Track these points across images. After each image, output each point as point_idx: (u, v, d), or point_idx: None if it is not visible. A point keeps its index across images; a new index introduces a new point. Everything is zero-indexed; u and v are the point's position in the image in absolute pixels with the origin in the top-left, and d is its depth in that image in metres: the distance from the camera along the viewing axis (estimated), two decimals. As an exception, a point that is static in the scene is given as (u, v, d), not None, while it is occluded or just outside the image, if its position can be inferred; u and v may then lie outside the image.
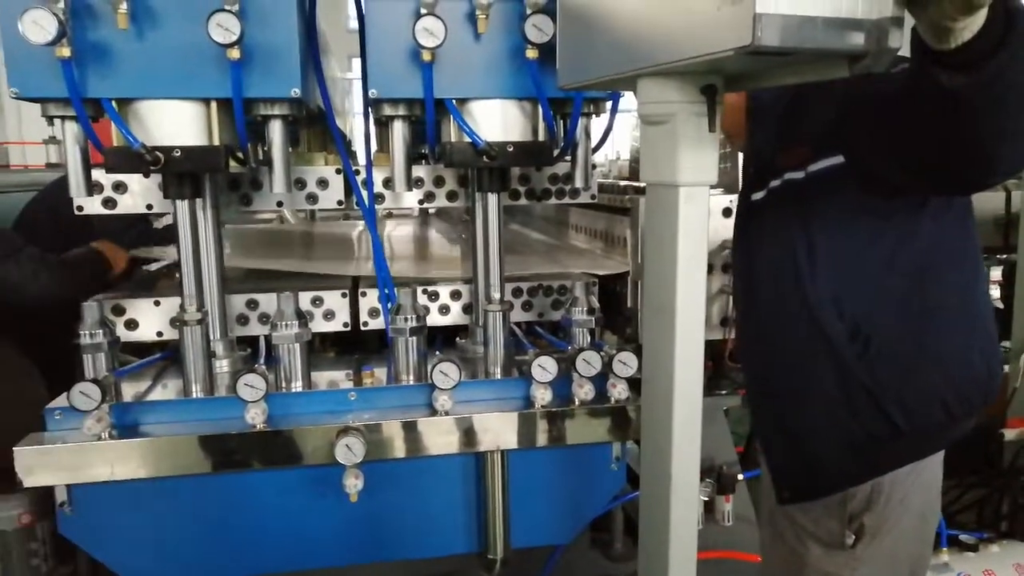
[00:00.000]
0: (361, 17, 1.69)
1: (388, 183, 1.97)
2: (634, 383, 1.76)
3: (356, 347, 2.11)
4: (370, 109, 1.78)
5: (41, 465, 1.55)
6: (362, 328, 2.02)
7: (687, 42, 0.92)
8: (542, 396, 1.71)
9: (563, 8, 1.31)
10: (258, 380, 1.58)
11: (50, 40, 1.37)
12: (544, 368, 1.68)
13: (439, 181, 2.03)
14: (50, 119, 1.62)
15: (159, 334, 1.93)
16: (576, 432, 1.74)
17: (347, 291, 2.00)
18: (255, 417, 1.60)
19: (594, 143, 1.87)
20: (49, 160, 4.72)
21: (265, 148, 1.72)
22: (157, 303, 1.92)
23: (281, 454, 1.63)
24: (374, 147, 2.20)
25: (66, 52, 1.41)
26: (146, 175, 1.85)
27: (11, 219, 3.35)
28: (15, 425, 1.75)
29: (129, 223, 3.21)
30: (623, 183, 2.58)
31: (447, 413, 1.69)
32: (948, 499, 2.79)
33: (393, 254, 2.66)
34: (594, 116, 1.80)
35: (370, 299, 2.00)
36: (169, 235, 2.74)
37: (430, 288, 2.02)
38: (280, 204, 1.97)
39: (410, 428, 1.67)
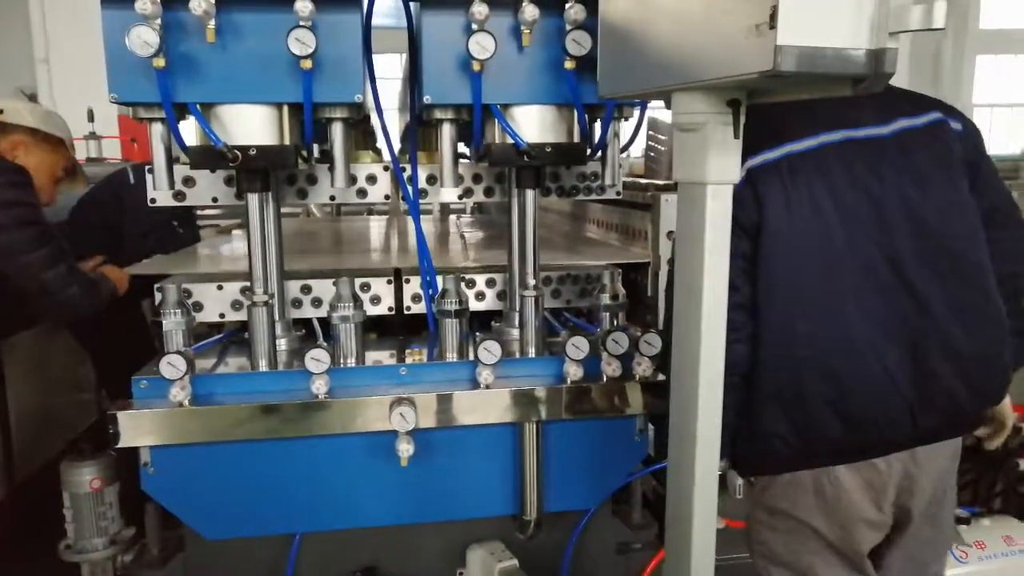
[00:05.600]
0: (411, 29, 1.87)
1: (430, 179, 2.17)
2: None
3: (391, 330, 2.29)
4: (419, 111, 1.96)
5: (132, 428, 1.74)
6: (405, 312, 2.21)
7: (717, 63, 1.11)
8: (574, 372, 1.90)
9: (604, 26, 1.49)
10: (323, 355, 1.77)
11: (151, 53, 1.56)
12: (577, 347, 1.87)
13: (477, 178, 2.21)
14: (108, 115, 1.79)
15: (221, 315, 2.12)
16: (604, 406, 1.93)
17: (391, 278, 2.18)
18: (319, 388, 1.79)
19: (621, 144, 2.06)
20: (89, 154, 4.94)
21: (323, 147, 1.91)
22: (220, 287, 2.11)
23: (341, 421, 1.82)
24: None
25: (161, 63, 1.60)
26: (222, 170, 2.04)
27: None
28: (75, 406, 1.94)
29: (153, 227, 3.43)
30: (644, 181, 2.77)
31: (488, 387, 1.87)
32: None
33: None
34: (623, 120, 1.99)
35: (412, 286, 2.19)
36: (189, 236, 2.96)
37: (467, 276, 2.21)
38: (333, 198, 2.16)
39: (455, 400, 1.86)
